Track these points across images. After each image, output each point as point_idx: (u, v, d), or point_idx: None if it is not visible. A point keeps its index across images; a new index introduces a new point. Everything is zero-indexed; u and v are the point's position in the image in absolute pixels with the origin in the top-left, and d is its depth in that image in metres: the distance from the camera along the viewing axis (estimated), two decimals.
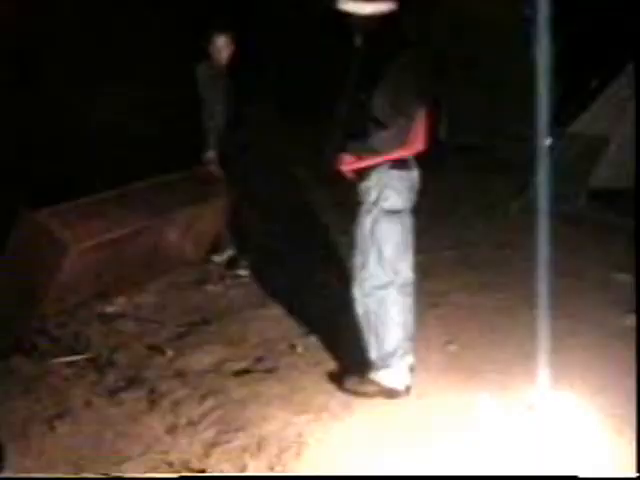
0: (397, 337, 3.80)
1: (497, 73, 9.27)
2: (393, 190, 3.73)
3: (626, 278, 5.20)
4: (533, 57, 4.10)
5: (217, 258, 5.82)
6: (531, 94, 4.30)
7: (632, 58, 6.77)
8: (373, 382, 3.84)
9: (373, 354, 3.82)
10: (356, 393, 3.84)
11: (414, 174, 3.83)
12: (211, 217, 5.65)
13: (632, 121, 6.47)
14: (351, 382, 3.90)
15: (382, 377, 3.83)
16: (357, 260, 3.79)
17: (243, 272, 5.60)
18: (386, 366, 3.81)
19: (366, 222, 3.74)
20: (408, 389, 3.85)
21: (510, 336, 4.37)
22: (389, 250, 3.75)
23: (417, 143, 3.79)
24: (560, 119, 6.80)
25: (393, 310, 3.79)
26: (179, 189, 5.41)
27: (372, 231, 3.73)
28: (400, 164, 3.74)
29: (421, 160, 3.83)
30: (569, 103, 7.09)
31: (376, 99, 3.62)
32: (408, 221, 3.86)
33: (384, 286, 3.77)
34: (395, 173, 3.73)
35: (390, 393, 3.82)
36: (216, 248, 5.84)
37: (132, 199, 5.10)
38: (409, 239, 3.88)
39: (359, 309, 3.79)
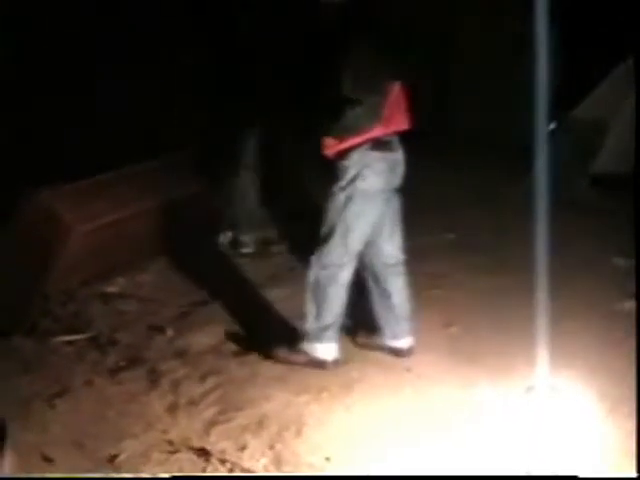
0: (336, 313, 3.88)
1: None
2: (371, 171, 3.77)
3: (627, 263, 5.21)
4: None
5: (218, 239, 5.81)
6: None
7: (631, 51, 6.76)
8: (303, 352, 3.92)
9: (309, 325, 3.91)
10: (287, 362, 3.93)
11: (396, 156, 3.87)
12: (211, 197, 5.64)
13: (632, 110, 6.45)
14: (282, 351, 3.98)
15: (313, 349, 3.91)
16: (323, 232, 3.85)
17: (246, 250, 5.60)
18: (319, 339, 3.89)
19: (340, 198, 3.80)
20: (336, 362, 3.93)
21: (510, 318, 4.38)
22: (357, 231, 3.81)
23: (394, 121, 3.83)
24: (561, 104, 6.77)
25: (341, 290, 3.87)
26: (179, 170, 5.40)
27: (344, 208, 3.78)
28: (381, 145, 3.79)
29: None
30: (571, 88, 7.05)
31: (344, 79, 3.68)
32: (394, 203, 3.92)
33: (340, 265, 3.84)
34: (375, 154, 3.78)
35: (318, 364, 3.90)
36: (217, 229, 5.83)
37: (134, 180, 5.10)
38: (395, 220, 3.95)
39: (311, 277, 3.88)
